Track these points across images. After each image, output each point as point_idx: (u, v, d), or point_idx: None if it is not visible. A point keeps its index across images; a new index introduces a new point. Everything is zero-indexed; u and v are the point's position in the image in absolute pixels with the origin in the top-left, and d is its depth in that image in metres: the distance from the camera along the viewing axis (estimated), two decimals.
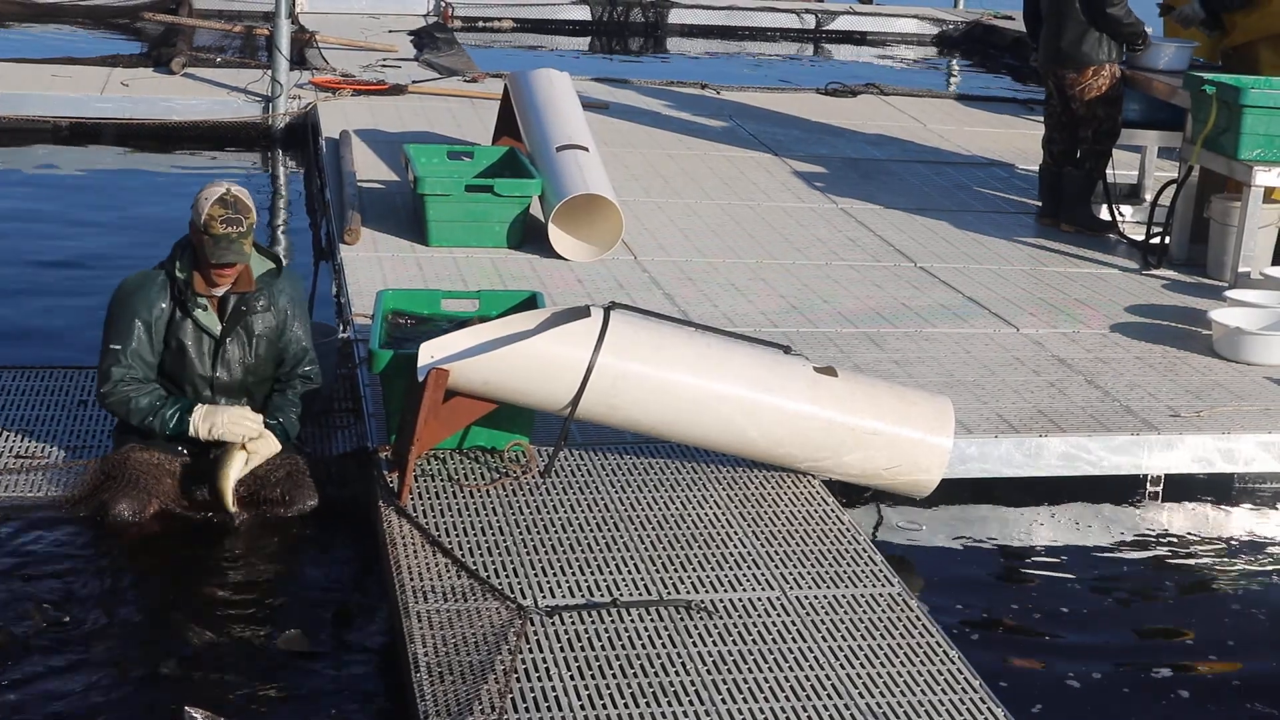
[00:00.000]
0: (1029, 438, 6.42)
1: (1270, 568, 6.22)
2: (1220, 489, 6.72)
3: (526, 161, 9.01)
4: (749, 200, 10.10)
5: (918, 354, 7.31)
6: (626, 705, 4.34)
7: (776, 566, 5.21)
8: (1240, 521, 6.62)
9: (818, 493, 5.81)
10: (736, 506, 5.65)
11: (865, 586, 5.12)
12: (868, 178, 10.93)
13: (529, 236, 8.64)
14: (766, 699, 4.40)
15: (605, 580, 5.04)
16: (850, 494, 6.13)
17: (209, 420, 5.70)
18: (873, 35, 20.11)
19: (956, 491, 6.29)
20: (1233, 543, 6.41)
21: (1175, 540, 6.38)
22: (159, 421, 5.71)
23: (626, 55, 18.56)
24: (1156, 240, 9.26)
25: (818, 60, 19.03)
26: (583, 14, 19.29)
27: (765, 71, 17.43)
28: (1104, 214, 9.87)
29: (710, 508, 5.63)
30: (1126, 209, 10.02)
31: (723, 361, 5.71)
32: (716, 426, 5.68)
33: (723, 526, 5.48)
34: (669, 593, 4.98)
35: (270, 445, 5.74)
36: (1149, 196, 9.88)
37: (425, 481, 5.66)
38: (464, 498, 5.58)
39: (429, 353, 5.54)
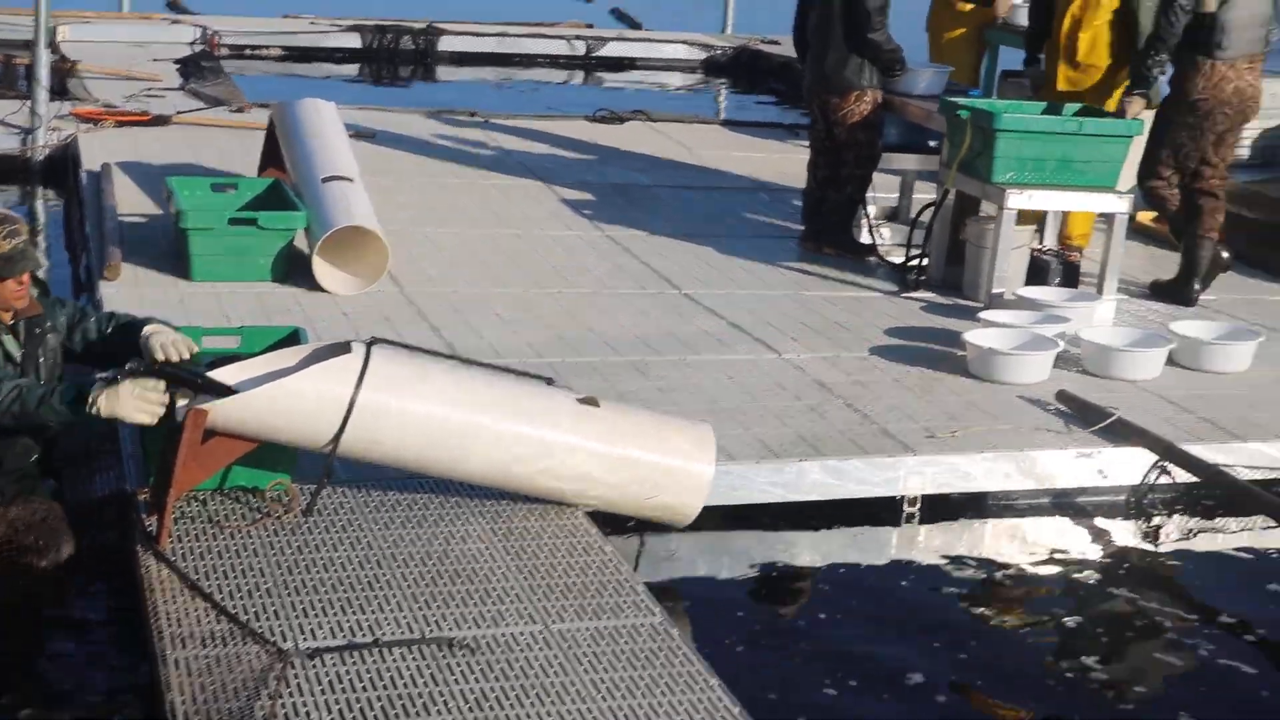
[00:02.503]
0: (789, 462, 6.53)
1: (1023, 583, 6.40)
2: (975, 508, 6.89)
3: (291, 193, 8.94)
4: (517, 229, 10.14)
5: (682, 381, 7.40)
6: None
7: (539, 600, 5.24)
8: (995, 539, 6.81)
9: (581, 524, 5.85)
10: (500, 540, 5.67)
11: (627, 617, 5.16)
12: (635, 204, 11.03)
13: (294, 269, 8.58)
14: None
15: (368, 620, 5.02)
16: (613, 523, 6.16)
17: (110, 401, 5.36)
18: (642, 61, 20.25)
19: (719, 518, 6.36)
20: (988, 560, 6.58)
21: (933, 560, 6.54)
22: (36, 399, 5.37)
23: (396, 83, 18.51)
24: (915, 263, 9.47)
25: (588, 87, 19.13)
26: (352, 41, 19.16)
27: (535, 98, 17.50)
28: (865, 237, 10.08)
29: (474, 542, 5.64)
30: (886, 232, 10.23)
31: (485, 395, 5.73)
32: (479, 460, 5.70)
33: (486, 561, 5.50)
34: (431, 630, 4.98)
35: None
36: (908, 219, 10.11)
37: (185, 524, 5.60)
38: (225, 539, 5.52)
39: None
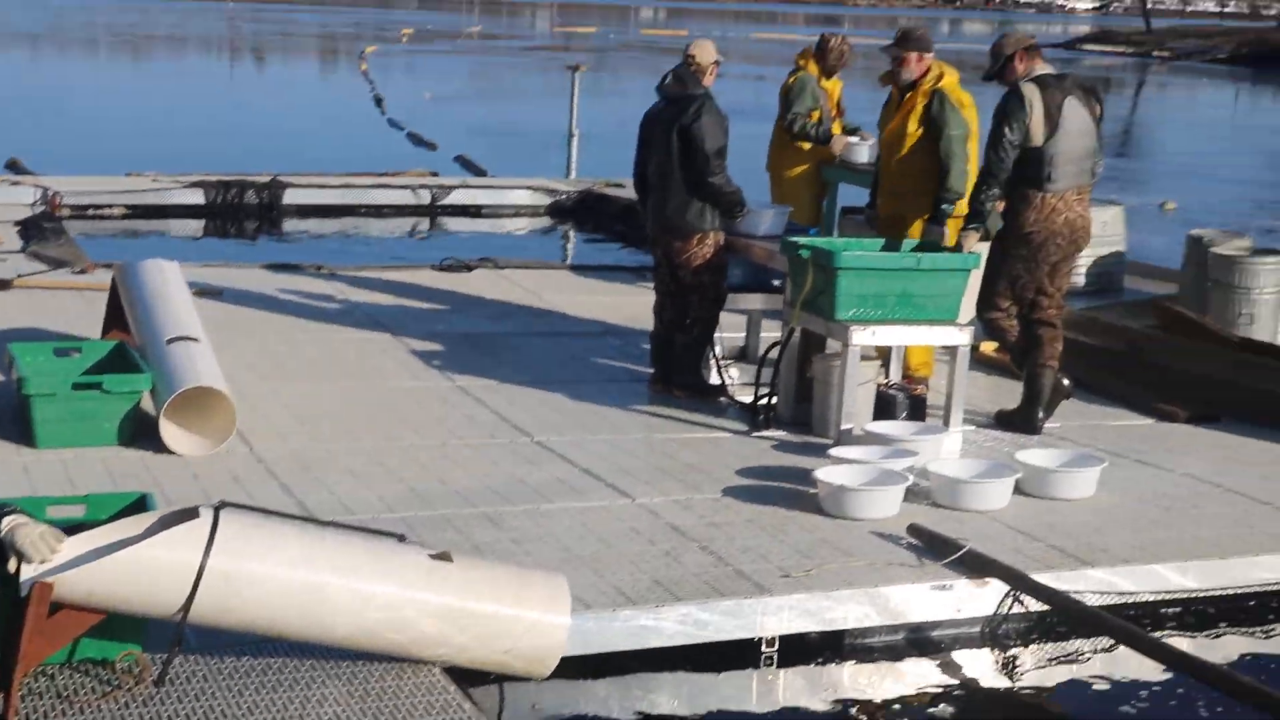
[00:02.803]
0: (646, 609, 6.54)
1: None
2: (833, 646, 6.93)
3: (136, 355, 8.87)
4: (366, 382, 10.11)
5: (536, 531, 7.39)
6: None
7: None
8: (853, 677, 6.84)
9: (439, 681, 5.81)
10: (358, 701, 5.61)
11: None
12: (484, 353, 11.05)
13: (141, 432, 8.48)
14: None
15: None
16: (473, 677, 6.13)
17: (23, 528, 5.29)
18: (488, 208, 20.36)
19: (578, 667, 6.35)
20: (847, 699, 6.61)
21: (793, 701, 6.55)
22: None
23: (242, 238, 18.44)
24: (764, 402, 9.56)
25: (434, 235, 19.19)
26: (196, 197, 19.06)
27: (382, 249, 17.52)
28: (714, 378, 10.17)
29: (331, 705, 5.57)
30: (735, 371, 10.33)
31: (336, 556, 5.69)
32: (333, 621, 5.65)
33: None
34: None
35: None
36: (756, 358, 10.22)
37: (32, 701, 5.48)
38: (74, 715, 5.41)
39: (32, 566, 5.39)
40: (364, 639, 5.75)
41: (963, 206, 9.95)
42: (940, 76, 10.22)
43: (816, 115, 12.59)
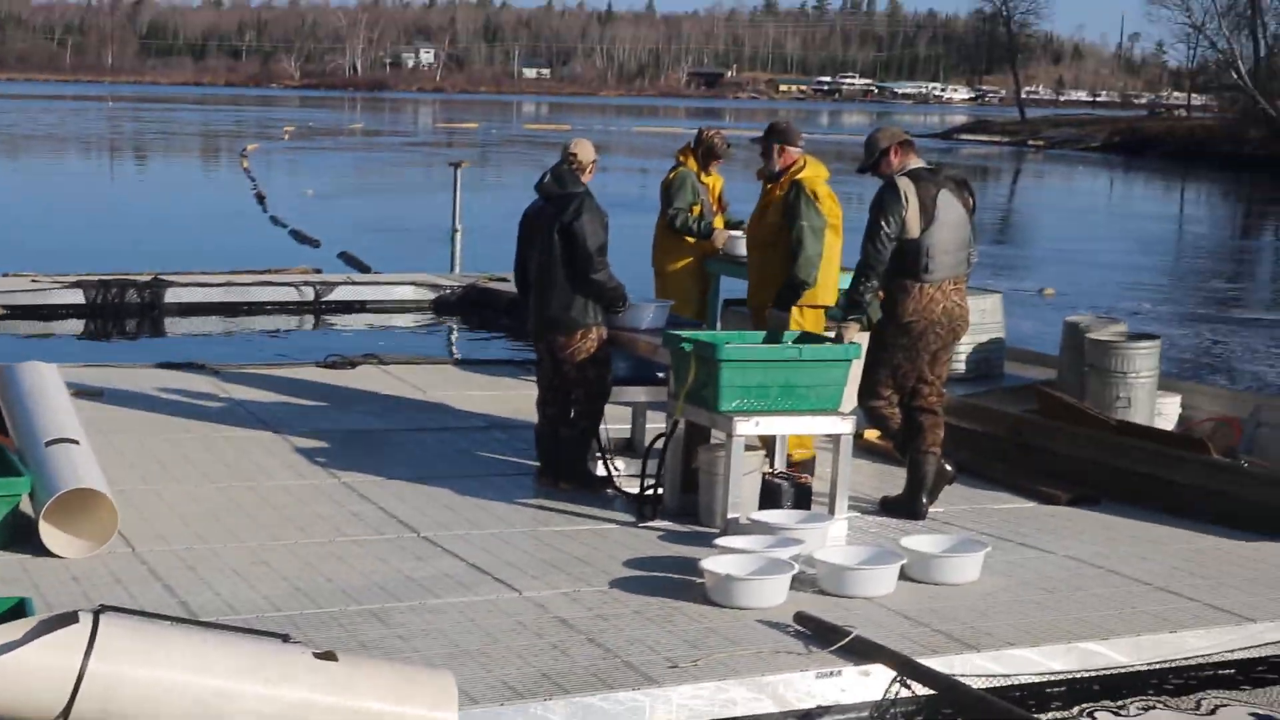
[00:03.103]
0: (534, 703, 6.51)
1: None
2: None
3: (15, 459, 8.77)
4: (250, 481, 10.04)
5: (423, 627, 7.36)
6: None
7: None
8: None
9: None
10: None
11: None
12: (369, 449, 11.02)
13: (20, 535, 8.37)
14: None
15: None
16: None
17: None
18: (372, 304, 20.37)
19: None
20: None
21: None
22: None
23: (124, 338, 18.31)
24: (651, 493, 9.59)
25: (319, 332, 19.15)
26: (76, 297, 18.92)
27: (265, 346, 17.46)
28: (600, 470, 10.19)
29: None
30: (621, 463, 10.36)
31: (219, 657, 5.64)
32: None
33: None
34: None
35: None
36: (642, 450, 10.26)
37: None
38: None
39: None
40: None
41: (817, 295, 10.15)
42: (802, 168, 10.40)
43: (698, 210, 12.72)
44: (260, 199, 36.42)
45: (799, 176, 10.38)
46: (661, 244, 12.92)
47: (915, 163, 9.69)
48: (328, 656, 5.83)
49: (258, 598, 7.70)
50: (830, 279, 10.49)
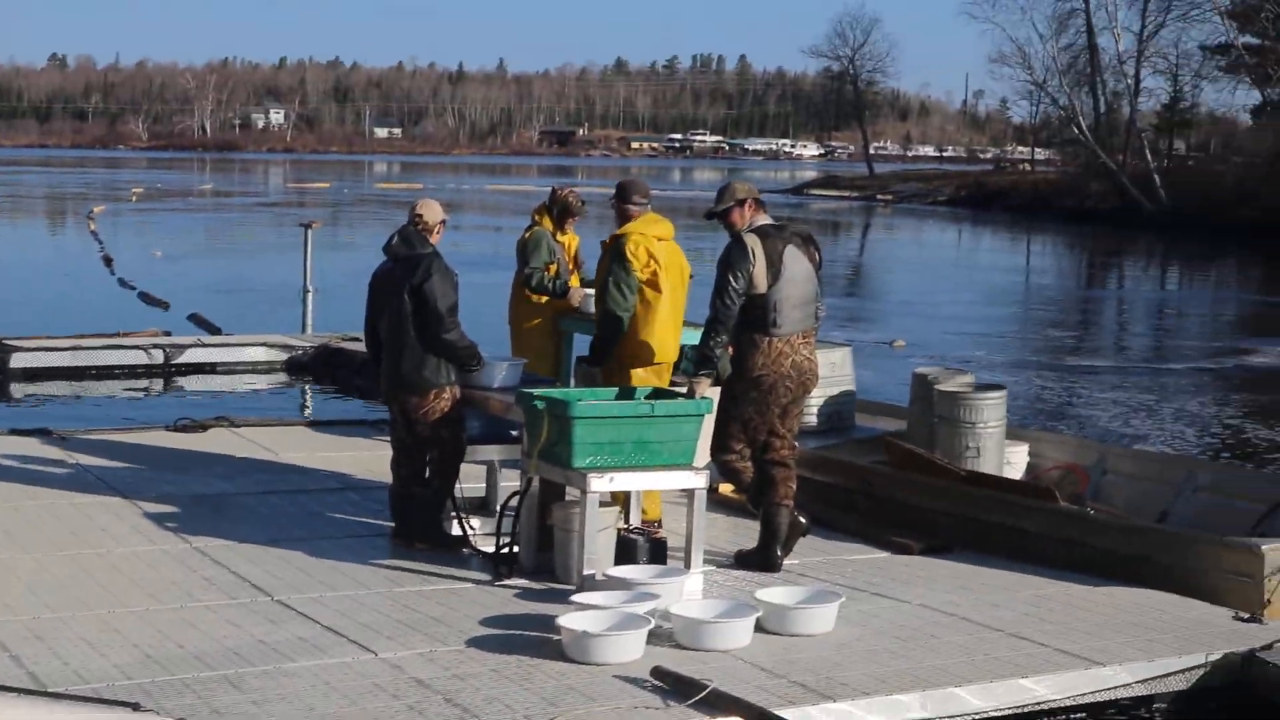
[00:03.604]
0: None
1: None
2: None
3: None
4: (99, 548, 9.89)
5: (278, 691, 7.28)
6: None
7: None
8: None
9: None
10: None
11: None
12: (220, 513, 10.90)
13: None
14: None
15: None
16: None
17: None
18: (223, 366, 20.17)
19: None
20: None
21: None
22: None
23: None
24: (506, 551, 9.57)
25: (168, 395, 18.92)
26: None
27: (113, 410, 17.22)
28: (455, 529, 10.16)
29: None
30: (476, 522, 10.32)
31: None
32: None
33: None
34: None
35: None
36: (497, 508, 10.24)
37: None
38: None
39: None
40: None
41: (655, 352, 10.27)
42: (627, 223, 10.46)
43: (554, 269, 12.75)
44: (108, 261, 35.98)
45: (617, 231, 10.46)
46: (517, 302, 12.90)
47: (762, 220, 9.80)
48: None
49: (108, 666, 7.57)
50: (665, 335, 10.47)
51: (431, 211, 10.15)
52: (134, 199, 69.31)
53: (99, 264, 35.82)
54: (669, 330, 10.42)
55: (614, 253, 10.34)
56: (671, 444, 9.09)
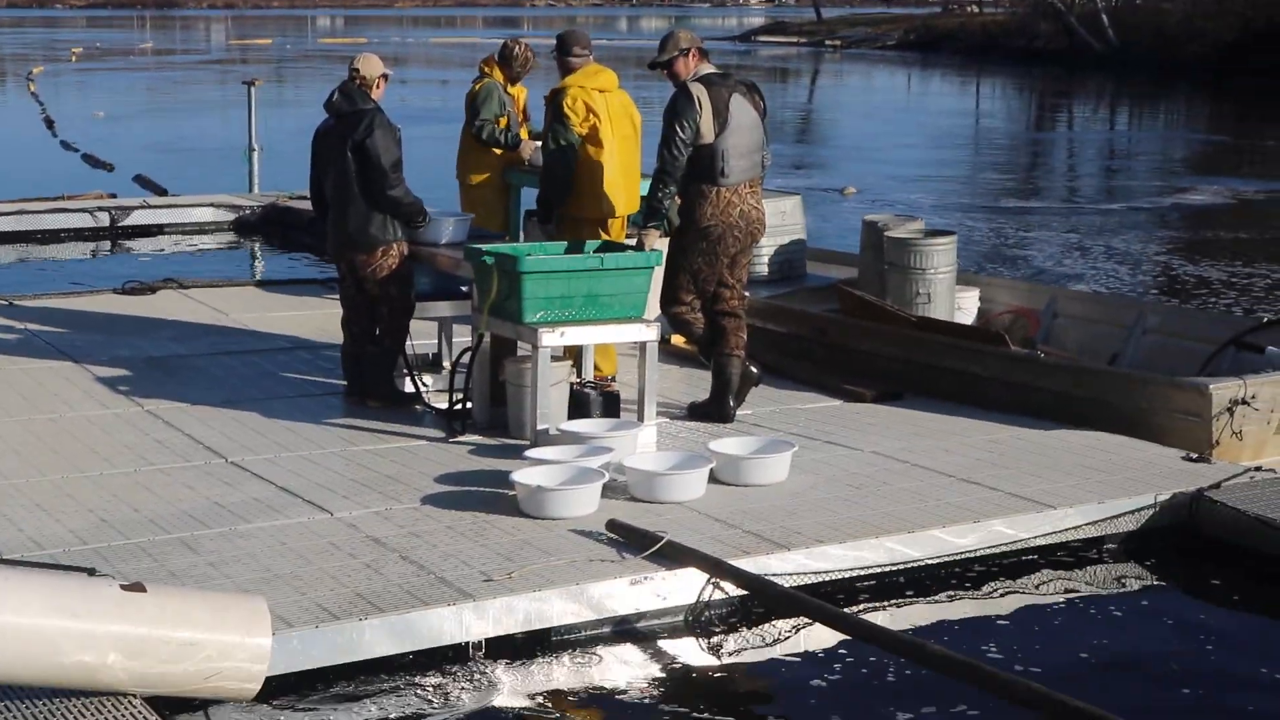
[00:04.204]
0: (349, 623, 6.51)
1: (596, 716, 6.51)
2: (541, 645, 6.98)
3: None
4: (51, 413, 9.85)
5: (234, 552, 7.30)
6: None
7: None
8: (563, 674, 6.89)
9: (140, 712, 5.70)
10: None
11: None
12: (173, 375, 10.86)
13: None
14: None
15: None
16: (176, 706, 6.03)
17: None
18: (170, 227, 20.01)
19: (284, 686, 6.30)
20: (558, 692, 6.66)
21: (505, 702, 6.57)
22: None
23: None
24: (459, 408, 9.58)
25: (116, 257, 18.78)
26: None
27: (60, 274, 17.08)
28: (407, 386, 10.15)
29: None
30: (429, 379, 10.32)
31: (21, 593, 5.54)
32: (23, 664, 5.51)
33: None
34: None
35: None
36: (448, 365, 10.25)
37: None
38: None
39: None
40: (57, 678, 5.61)
41: (602, 205, 10.21)
42: (567, 75, 10.36)
43: (504, 121, 12.65)
44: (49, 123, 35.57)
45: (556, 86, 10.36)
46: (466, 156, 12.81)
47: (706, 69, 9.72)
48: (136, 588, 5.76)
49: (63, 531, 7.58)
50: (615, 189, 10.39)
51: (370, 66, 10.01)
52: (74, 59, 68.35)
53: (41, 126, 35.40)
54: (618, 184, 10.34)
55: (550, 109, 10.27)
56: (622, 297, 9.08)
